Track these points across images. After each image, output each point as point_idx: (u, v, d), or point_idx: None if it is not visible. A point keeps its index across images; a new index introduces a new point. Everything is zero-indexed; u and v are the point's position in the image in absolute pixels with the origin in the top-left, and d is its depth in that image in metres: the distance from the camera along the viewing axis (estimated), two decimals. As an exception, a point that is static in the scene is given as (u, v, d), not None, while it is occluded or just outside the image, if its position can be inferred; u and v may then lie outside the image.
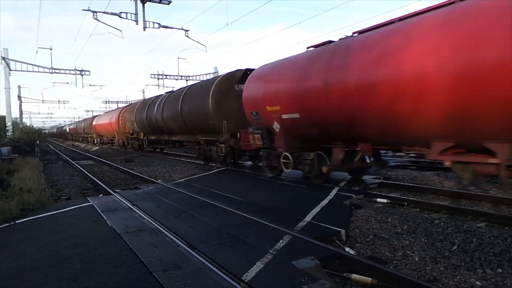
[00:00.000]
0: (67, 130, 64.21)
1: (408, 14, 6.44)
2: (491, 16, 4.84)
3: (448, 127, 5.50)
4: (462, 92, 5.06)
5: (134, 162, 17.41)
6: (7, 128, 25.60)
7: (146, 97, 30.66)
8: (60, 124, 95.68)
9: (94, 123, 36.54)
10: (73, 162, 17.97)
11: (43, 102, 59.21)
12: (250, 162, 13.95)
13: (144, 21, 17.53)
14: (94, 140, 38.45)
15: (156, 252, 4.13)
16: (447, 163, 5.79)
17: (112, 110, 34.53)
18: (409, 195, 7.30)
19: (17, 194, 7.25)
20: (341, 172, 9.89)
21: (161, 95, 20.09)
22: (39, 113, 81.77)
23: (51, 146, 37.84)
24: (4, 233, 5.21)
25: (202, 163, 14.50)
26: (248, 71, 11.74)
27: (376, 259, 4.26)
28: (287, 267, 3.66)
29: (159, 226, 5.30)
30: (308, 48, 9.02)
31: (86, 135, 44.28)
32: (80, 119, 65.28)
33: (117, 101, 62.45)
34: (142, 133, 22.61)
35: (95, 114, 58.66)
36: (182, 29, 21.69)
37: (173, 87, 41.17)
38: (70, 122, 78.75)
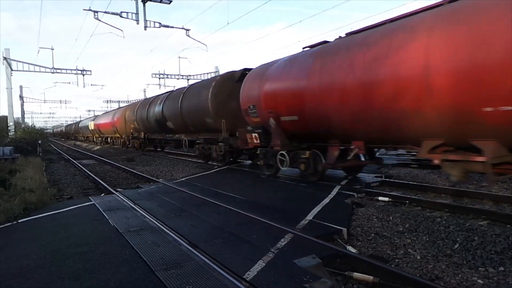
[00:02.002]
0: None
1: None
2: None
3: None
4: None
5: (135, 161, 17.44)
6: (9, 128, 25.70)
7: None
8: (62, 123, 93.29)
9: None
10: (75, 162, 18.01)
11: (44, 102, 59.44)
12: (249, 161, 13.94)
13: (145, 20, 17.57)
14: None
15: (158, 251, 4.14)
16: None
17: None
18: (410, 193, 7.28)
19: (19, 193, 7.28)
20: (341, 171, 9.86)
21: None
22: (40, 113, 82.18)
23: (53, 146, 37.94)
24: (7, 233, 5.23)
25: (202, 161, 14.51)
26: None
27: (378, 258, 4.26)
28: (288, 266, 3.66)
29: (161, 225, 5.31)
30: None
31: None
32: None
33: (119, 101, 62.44)
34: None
35: (96, 114, 53.85)
36: (183, 28, 21.70)
37: (174, 86, 41.01)
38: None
